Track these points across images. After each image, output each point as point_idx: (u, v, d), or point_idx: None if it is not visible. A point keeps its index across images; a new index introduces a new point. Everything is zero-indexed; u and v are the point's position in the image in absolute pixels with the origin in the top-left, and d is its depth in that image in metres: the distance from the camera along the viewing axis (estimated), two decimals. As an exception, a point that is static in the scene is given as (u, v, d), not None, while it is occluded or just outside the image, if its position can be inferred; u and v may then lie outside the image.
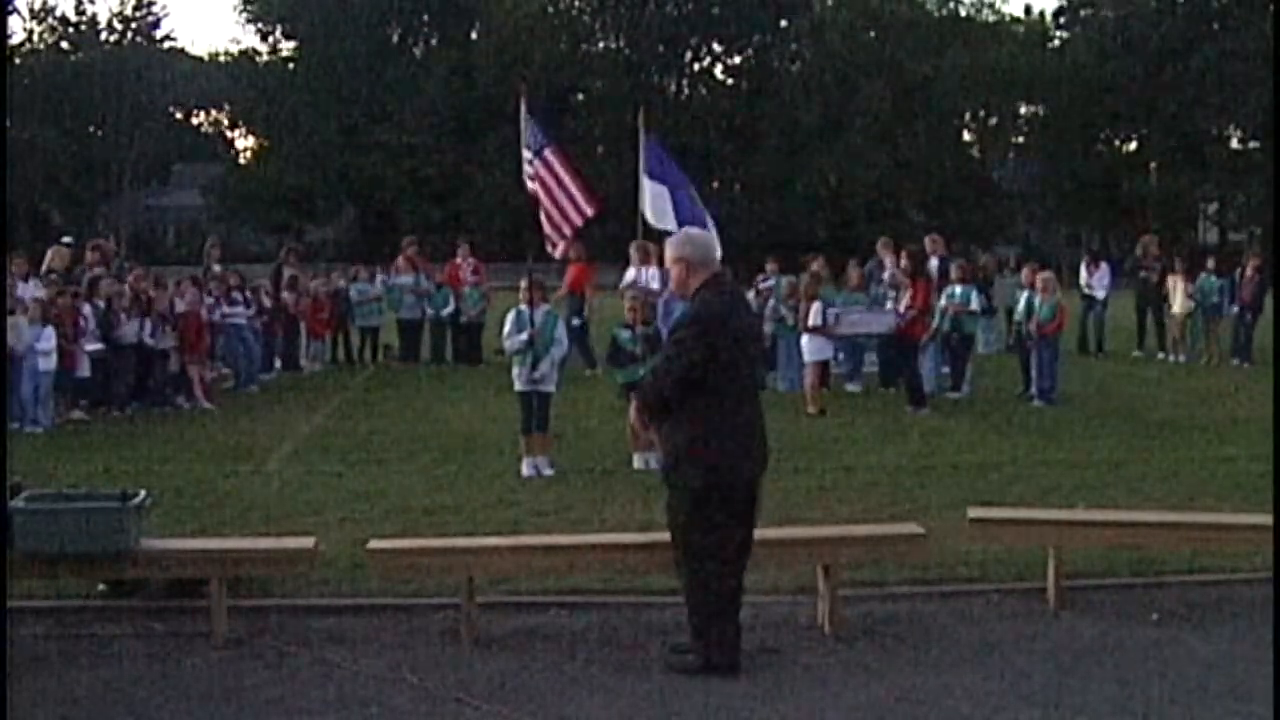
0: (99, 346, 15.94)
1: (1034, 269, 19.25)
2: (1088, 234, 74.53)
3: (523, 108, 13.59)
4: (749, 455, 6.63)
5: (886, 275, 18.88)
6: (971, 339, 18.37)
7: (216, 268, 20.24)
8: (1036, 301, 17.28)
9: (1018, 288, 19.61)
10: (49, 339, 14.82)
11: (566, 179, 13.08)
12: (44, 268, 17.62)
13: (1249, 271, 22.31)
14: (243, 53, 78.76)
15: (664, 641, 6.96)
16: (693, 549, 6.60)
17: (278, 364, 21.07)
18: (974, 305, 18.00)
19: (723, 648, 6.54)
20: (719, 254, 7.07)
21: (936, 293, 17.84)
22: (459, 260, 23.30)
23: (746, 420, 6.62)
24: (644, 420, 6.89)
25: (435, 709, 6.18)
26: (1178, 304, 22.47)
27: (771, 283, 19.37)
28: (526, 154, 13.30)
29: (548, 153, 13.15)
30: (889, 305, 17.74)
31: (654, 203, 15.15)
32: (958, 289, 18.05)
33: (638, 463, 12.12)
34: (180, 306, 17.21)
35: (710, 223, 14.38)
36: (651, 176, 15.16)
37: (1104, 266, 23.84)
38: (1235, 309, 22.31)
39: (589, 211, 13.11)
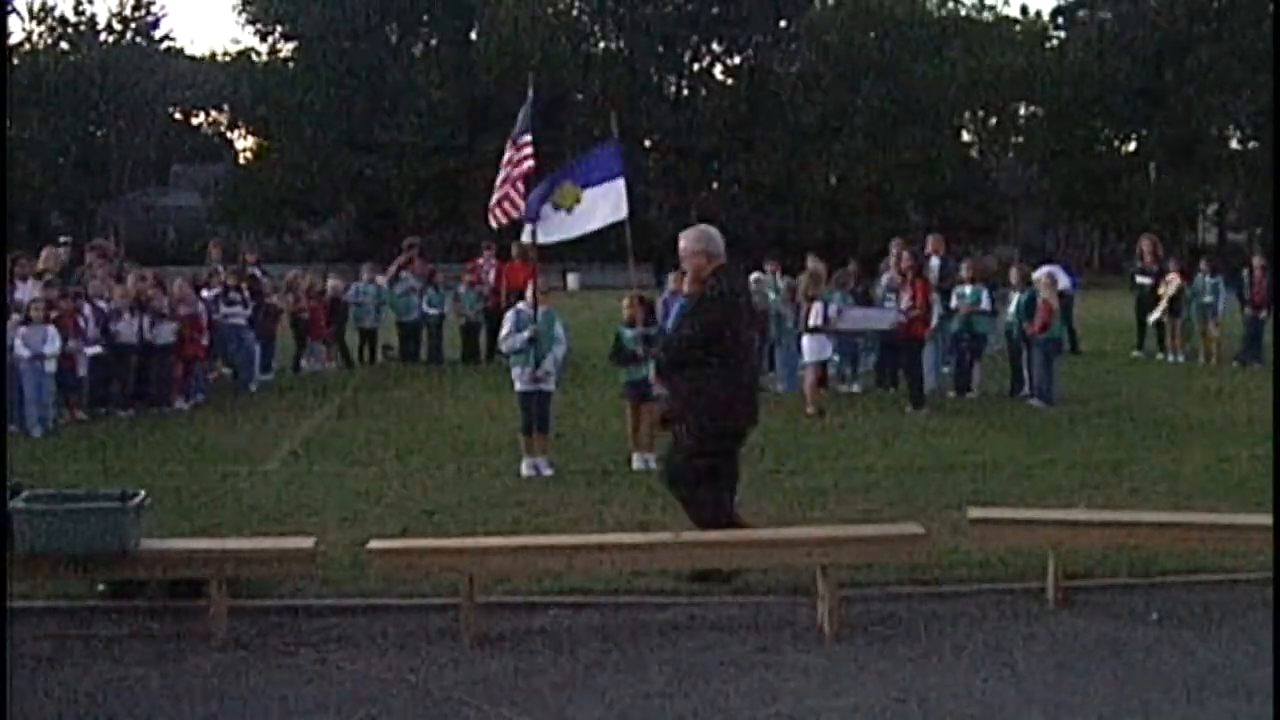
0: (97, 350, 15.95)
1: (1027, 269, 19.15)
2: (1086, 234, 74.68)
3: (529, 95, 13.50)
4: (743, 413, 8.21)
5: (885, 279, 18.88)
6: (983, 339, 18.35)
7: (220, 268, 20.20)
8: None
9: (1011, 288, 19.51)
10: (54, 340, 14.83)
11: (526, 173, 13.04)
12: (38, 268, 17.59)
13: (1257, 272, 22.26)
14: (242, 53, 78.75)
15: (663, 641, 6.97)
16: (690, 483, 8.16)
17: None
18: (984, 304, 17.99)
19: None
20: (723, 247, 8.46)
21: (938, 293, 17.82)
22: (480, 261, 23.39)
23: (743, 383, 8.21)
24: (661, 379, 8.62)
25: (435, 709, 6.18)
26: (1161, 304, 22.44)
27: (759, 276, 19.38)
28: (523, 138, 13.18)
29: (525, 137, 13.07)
30: (889, 305, 17.74)
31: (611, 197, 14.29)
32: (968, 289, 18.05)
33: (637, 463, 12.13)
34: (181, 308, 17.23)
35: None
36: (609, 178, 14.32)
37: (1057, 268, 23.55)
38: (1248, 310, 22.22)
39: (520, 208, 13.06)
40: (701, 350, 8.01)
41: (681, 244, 8.48)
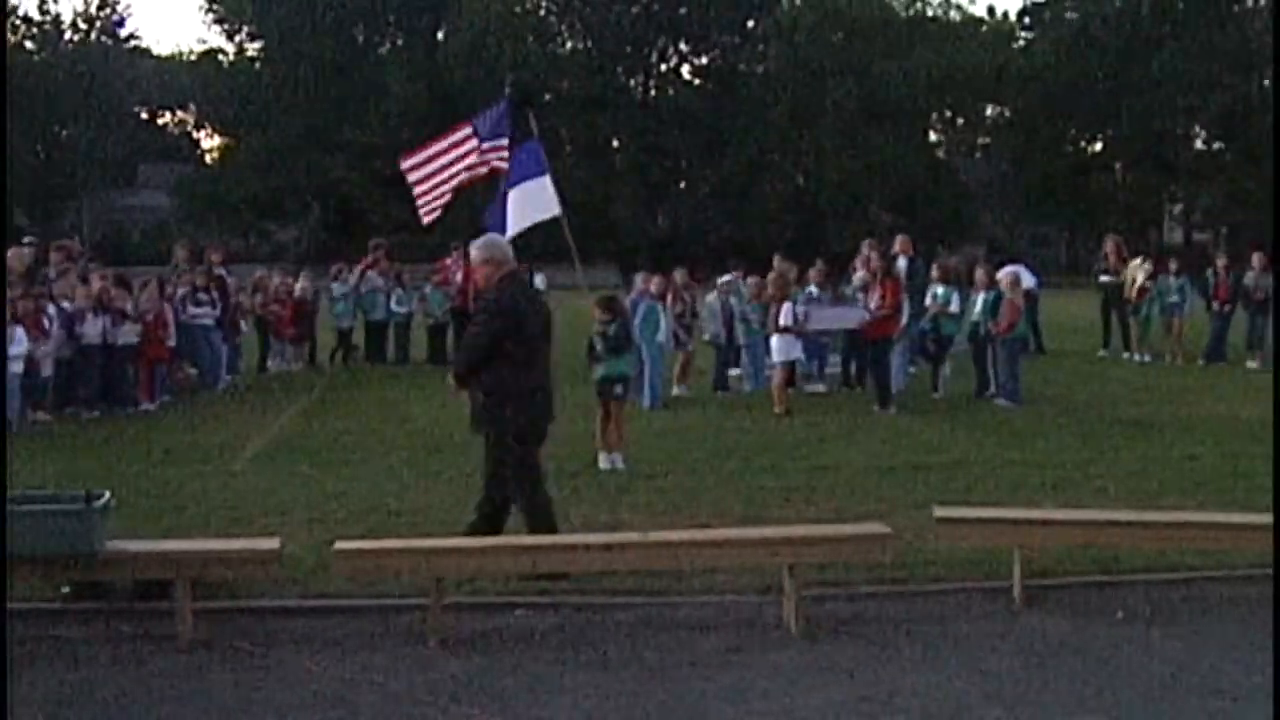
0: (63, 350, 15.84)
1: (990, 269, 19.18)
2: (1054, 234, 75.06)
3: (506, 96, 13.43)
4: (538, 412, 8.49)
5: (856, 278, 18.91)
6: (950, 340, 18.38)
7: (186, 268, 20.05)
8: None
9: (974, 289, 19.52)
10: (20, 341, 14.72)
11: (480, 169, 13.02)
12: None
13: (1221, 272, 22.42)
14: (208, 53, 78.48)
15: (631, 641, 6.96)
16: (507, 475, 8.42)
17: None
18: (954, 307, 18.03)
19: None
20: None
21: (906, 293, 17.86)
22: (449, 261, 23.31)
23: (535, 384, 8.44)
24: (458, 384, 8.61)
25: (402, 710, 6.16)
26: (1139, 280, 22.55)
27: (729, 278, 19.47)
28: (493, 142, 13.10)
29: (495, 143, 13.01)
30: (858, 304, 17.78)
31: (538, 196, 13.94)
32: (940, 289, 18.07)
33: (604, 463, 12.13)
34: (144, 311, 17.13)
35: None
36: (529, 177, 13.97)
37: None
38: (1214, 308, 22.36)
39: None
40: (494, 355, 8.30)
41: (471, 254, 8.88)
